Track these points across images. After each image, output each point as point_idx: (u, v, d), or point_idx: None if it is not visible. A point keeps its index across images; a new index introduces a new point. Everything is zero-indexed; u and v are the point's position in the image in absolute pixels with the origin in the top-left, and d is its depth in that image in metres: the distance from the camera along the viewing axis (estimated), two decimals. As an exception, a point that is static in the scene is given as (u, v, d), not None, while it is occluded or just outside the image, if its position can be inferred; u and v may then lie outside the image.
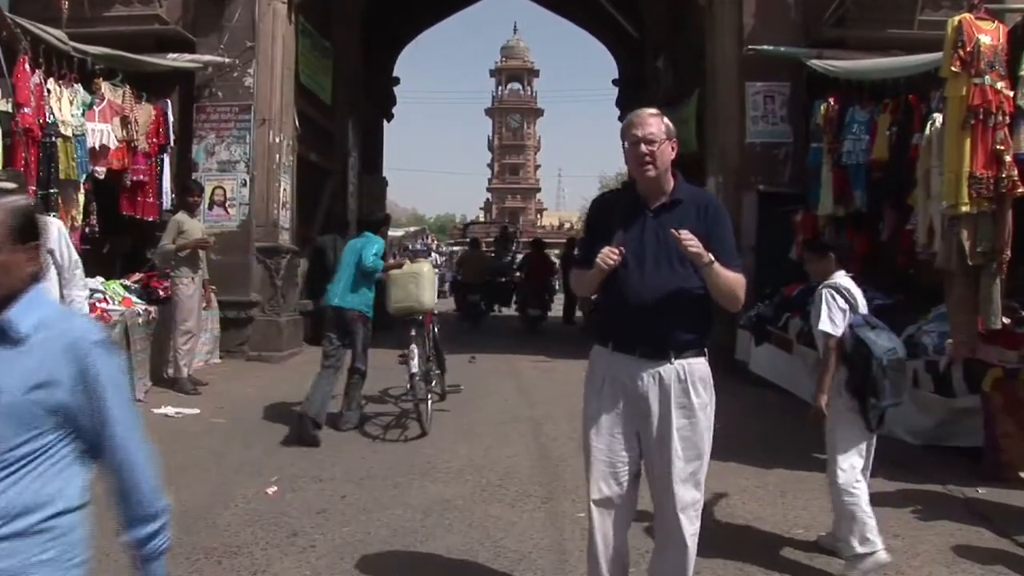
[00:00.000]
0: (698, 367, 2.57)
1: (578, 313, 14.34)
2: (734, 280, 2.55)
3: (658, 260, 2.54)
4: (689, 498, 2.52)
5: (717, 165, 9.55)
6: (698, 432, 2.53)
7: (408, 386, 6.06)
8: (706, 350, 2.63)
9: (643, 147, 2.54)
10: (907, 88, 6.88)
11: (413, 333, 6.05)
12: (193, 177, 8.91)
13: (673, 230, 2.47)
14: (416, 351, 5.99)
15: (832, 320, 3.43)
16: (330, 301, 6.11)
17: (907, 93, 6.77)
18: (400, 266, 6.43)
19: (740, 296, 2.59)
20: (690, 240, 2.45)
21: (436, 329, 6.87)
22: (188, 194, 7.64)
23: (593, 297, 3.38)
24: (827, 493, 4.36)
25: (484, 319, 14.29)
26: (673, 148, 2.61)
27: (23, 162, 6.55)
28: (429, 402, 6.16)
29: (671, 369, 2.53)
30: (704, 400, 2.56)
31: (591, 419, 2.63)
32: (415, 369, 5.91)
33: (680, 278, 2.52)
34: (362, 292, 6.05)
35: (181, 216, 7.37)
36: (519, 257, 16.24)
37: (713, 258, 2.46)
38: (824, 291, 3.50)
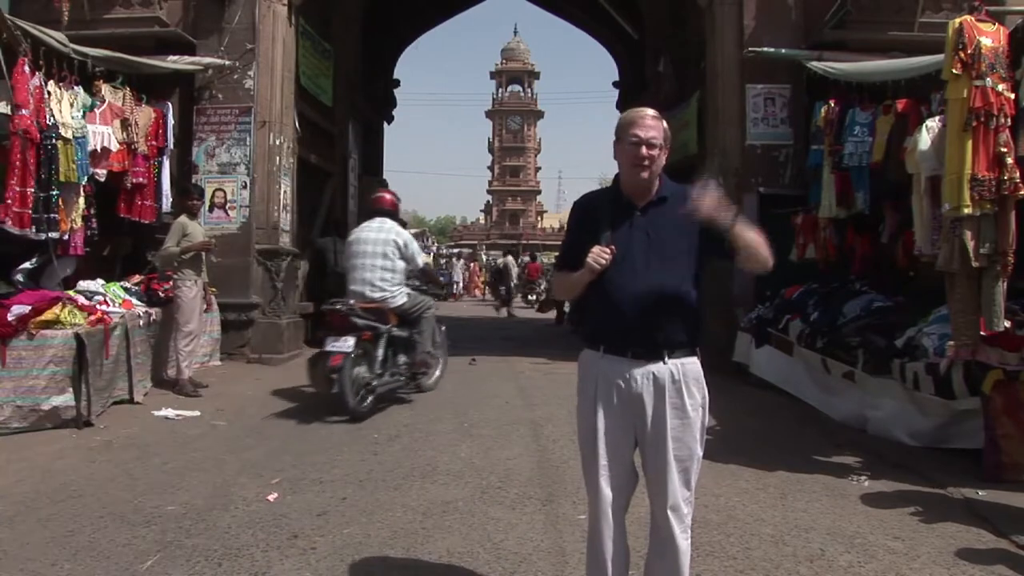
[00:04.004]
0: (691, 367, 2.55)
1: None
2: (761, 238, 2.48)
3: (648, 259, 2.50)
4: (681, 497, 2.51)
5: (718, 167, 9.55)
6: (691, 432, 2.52)
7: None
8: (698, 350, 2.59)
9: (644, 150, 2.51)
10: (908, 90, 6.89)
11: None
12: (194, 179, 8.94)
13: (685, 211, 2.42)
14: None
15: None
16: None
17: (907, 95, 6.77)
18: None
19: (769, 253, 2.50)
20: (708, 202, 2.39)
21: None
22: (188, 198, 7.64)
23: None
24: (827, 495, 4.39)
25: (512, 302, 23.31)
26: (666, 154, 2.58)
27: (19, 163, 6.54)
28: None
29: (665, 369, 2.51)
30: (697, 400, 2.54)
31: (586, 422, 2.61)
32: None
33: (671, 277, 2.49)
34: None
35: (184, 219, 7.37)
36: (523, 260, 26.86)
37: (737, 212, 2.42)
38: None
